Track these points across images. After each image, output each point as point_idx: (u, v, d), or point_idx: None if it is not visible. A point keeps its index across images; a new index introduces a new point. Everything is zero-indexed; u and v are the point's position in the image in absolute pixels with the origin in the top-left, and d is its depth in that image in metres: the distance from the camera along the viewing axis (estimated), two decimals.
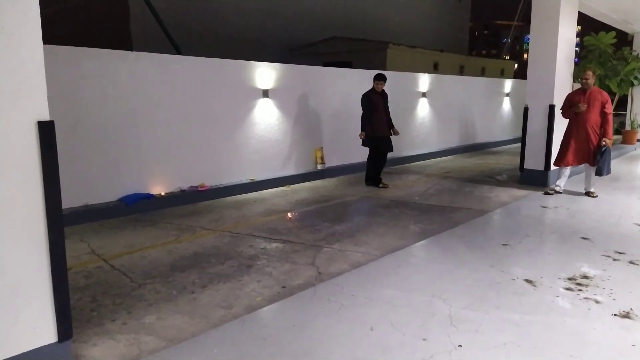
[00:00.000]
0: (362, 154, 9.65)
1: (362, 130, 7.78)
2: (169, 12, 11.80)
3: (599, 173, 6.78)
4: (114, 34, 10.62)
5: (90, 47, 5.93)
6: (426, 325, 3.17)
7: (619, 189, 7.52)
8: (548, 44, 7.63)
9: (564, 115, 7.10)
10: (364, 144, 7.91)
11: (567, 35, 7.85)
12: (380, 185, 7.97)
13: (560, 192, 7.22)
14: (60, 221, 2.38)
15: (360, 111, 7.83)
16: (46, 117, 2.33)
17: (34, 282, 2.34)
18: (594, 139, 6.79)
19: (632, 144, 12.80)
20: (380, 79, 7.76)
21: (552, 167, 7.86)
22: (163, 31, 9.82)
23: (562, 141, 7.09)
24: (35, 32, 2.26)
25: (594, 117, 6.76)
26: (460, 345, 2.90)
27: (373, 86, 7.81)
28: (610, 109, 6.76)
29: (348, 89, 9.27)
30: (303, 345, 2.93)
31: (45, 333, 2.41)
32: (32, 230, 2.32)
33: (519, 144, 14.17)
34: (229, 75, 7.31)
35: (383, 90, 7.86)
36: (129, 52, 6.29)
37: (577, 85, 10.44)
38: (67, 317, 2.46)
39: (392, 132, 7.90)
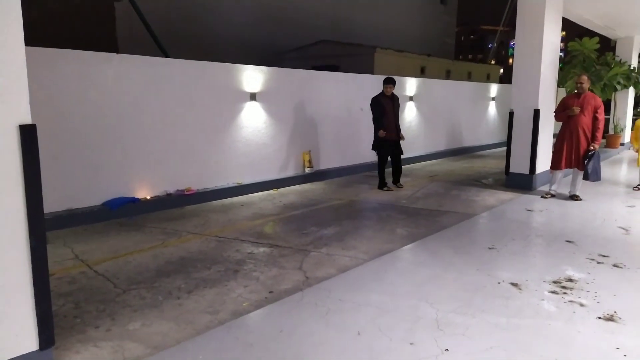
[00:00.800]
0: (350, 158, 9.69)
1: (375, 132, 7.93)
2: (155, 15, 11.72)
3: (585, 177, 6.87)
4: (100, 37, 10.50)
5: (73, 49, 5.84)
6: (413, 329, 3.17)
7: (602, 193, 7.62)
8: (533, 48, 7.72)
9: (557, 118, 7.19)
10: (373, 147, 8.10)
11: (551, 40, 7.95)
12: (385, 188, 8.03)
13: (554, 196, 7.30)
14: (42, 226, 2.33)
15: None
16: (28, 120, 2.28)
17: (15, 289, 2.29)
18: (584, 143, 6.89)
19: (616, 147, 13.00)
20: (389, 82, 7.92)
21: (537, 171, 7.95)
22: (150, 34, 9.73)
23: (555, 145, 7.17)
24: (18, 33, 2.21)
25: (587, 121, 6.85)
26: (447, 350, 2.91)
27: (382, 90, 7.94)
28: (602, 114, 6.87)
29: (336, 93, 9.28)
30: (290, 351, 2.91)
31: (27, 341, 2.35)
32: (13, 235, 2.26)
33: (505, 148, 14.44)
34: (216, 78, 7.27)
35: (393, 94, 8.01)
36: (114, 54, 6.22)
37: (562, 90, 10.62)
38: (49, 325, 2.40)
39: (399, 137, 8.01)
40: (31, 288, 2.32)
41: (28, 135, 2.27)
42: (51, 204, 5.40)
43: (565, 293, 3.78)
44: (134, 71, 6.30)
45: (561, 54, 9.27)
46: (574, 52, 9.38)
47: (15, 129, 2.25)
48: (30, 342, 2.37)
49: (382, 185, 8.08)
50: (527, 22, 7.78)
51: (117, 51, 8.62)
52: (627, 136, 13.75)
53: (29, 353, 2.37)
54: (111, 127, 6.12)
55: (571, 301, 3.64)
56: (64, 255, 4.66)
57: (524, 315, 3.39)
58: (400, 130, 8.11)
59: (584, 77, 7.00)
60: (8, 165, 2.24)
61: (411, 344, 2.98)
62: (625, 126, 13.47)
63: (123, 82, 6.19)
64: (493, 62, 31.70)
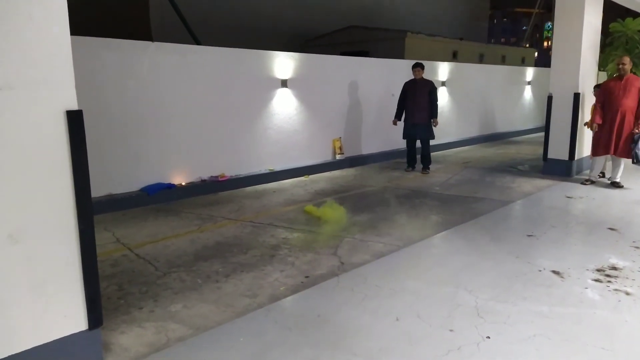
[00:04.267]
0: (380, 145, 9.61)
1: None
2: (186, 2, 11.79)
3: (635, 162, 6.60)
4: (134, 25, 10.65)
5: (109, 37, 5.95)
6: (452, 316, 3.14)
7: None
8: (573, 31, 7.43)
9: (597, 103, 6.93)
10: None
11: (592, 22, 7.64)
12: (406, 169, 8.44)
13: (595, 182, 7.09)
14: (90, 210, 2.40)
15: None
16: (74, 106, 2.33)
17: (65, 271, 2.37)
18: (627, 127, 6.62)
19: None
20: (416, 66, 8.22)
21: (577, 157, 7.70)
22: (182, 21, 9.81)
23: (597, 130, 6.91)
24: (63, 20, 2.26)
25: (630, 104, 6.58)
26: (489, 337, 2.87)
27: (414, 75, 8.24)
28: None
29: (367, 79, 9.18)
30: (328, 336, 2.93)
31: (76, 321, 2.43)
32: (63, 219, 2.33)
33: (540, 134, 13.98)
34: (248, 65, 7.29)
35: (423, 78, 8.18)
36: (150, 42, 6.30)
37: (603, 74, 10.21)
38: (97, 306, 2.48)
39: (426, 120, 8.12)
40: (80, 269, 2.40)
41: (75, 120, 2.32)
42: (92, 189, 5.52)
43: (609, 281, 3.67)
44: (169, 59, 6.38)
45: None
46: (616, 33, 8.99)
47: (62, 115, 2.30)
48: (79, 322, 2.45)
49: (407, 166, 8.47)
50: (567, 3, 7.49)
51: (151, 39, 8.73)
52: None
53: (78, 332, 2.45)
54: (148, 114, 6.22)
55: (616, 290, 3.53)
56: (105, 239, 4.80)
57: (567, 304, 3.31)
58: (429, 115, 8.04)
59: (626, 59, 6.72)
60: (56, 150, 2.31)
61: (451, 330, 2.96)
62: None
63: (159, 70, 6.27)
64: (527, 45, 30.67)
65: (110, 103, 5.86)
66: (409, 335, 2.91)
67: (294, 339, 2.90)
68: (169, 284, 3.76)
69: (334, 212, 5.56)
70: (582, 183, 7.14)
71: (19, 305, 2.26)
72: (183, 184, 6.63)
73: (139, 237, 4.94)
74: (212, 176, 6.94)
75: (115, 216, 5.66)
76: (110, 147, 5.93)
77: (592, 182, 7.10)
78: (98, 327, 2.53)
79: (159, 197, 6.25)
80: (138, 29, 10.74)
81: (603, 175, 7.35)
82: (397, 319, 3.11)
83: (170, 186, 6.44)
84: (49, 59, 2.23)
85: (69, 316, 2.40)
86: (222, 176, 7.00)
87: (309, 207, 5.84)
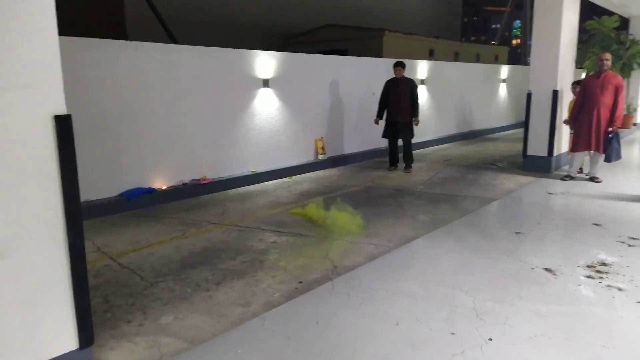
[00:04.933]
0: (362, 144, 9.57)
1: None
2: (161, 2, 11.51)
3: (607, 159, 6.75)
4: (109, 24, 10.33)
5: (83, 36, 5.72)
6: (452, 318, 3.10)
7: (620, 173, 7.51)
8: (552, 28, 7.54)
9: (577, 101, 7.05)
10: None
11: (570, 19, 7.77)
12: (388, 168, 8.45)
13: (574, 178, 7.20)
14: (80, 221, 2.26)
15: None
16: (63, 110, 2.19)
17: (54, 287, 2.22)
18: (604, 124, 6.74)
19: (629, 127, 12.81)
20: (396, 65, 8.19)
21: (556, 153, 7.83)
22: (158, 19, 9.55)
23: (575, 126, 7.03)
24: (51, 20, 2.11)
25: (607, 101, 6.69)
26: (491, 339, 2.84)
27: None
28: (623, 94, 6.70)
29: (348, 78, 9.13)
30: (329, 343, 2.85)
31: (67, 340, 2.30)
32: (51, 231, 2.19)
33: (516, 130, 14.29)
34: (229, 64, 7.14)
35: (403, 77, 8.12)
36: (128, 42, 6.09)
37: (581, 71, 10.43)
38: (88, 323, 2.35)
39: (407, 119, 8.13)
40: (70, 286, 2.26)
41: (64, 126, 2.18)
42: None
43: (601, 278, 3.70)
44: (148, 59, 6.18)
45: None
46: (593, 31, 9.18)
47: (50, 120, 2.16)
48: (70, 342, 2.31)
49: (390, 165, 8.47)
50: (545, 2, 7.59)
51: (127, 38, 8.48)
52: (639, 116, 13.58)
53: (69, 352, 2.32)
54: (126, 116, 6.02)
55: (608, 286, 3.56)
56: (85, 248, 4.59)
57: (563, 302, 3.32)
58: (411, 114, 8.05)
59: (608, 55, 6.84)
60: (44, 157, 2.16)
61: (452, 333, 2.92)
62: (637, 106, 13.26)
63: (137, 70, 6.07)
64: (495, 43, 31.19)
65: (87, 105, 5.63)
66: (411, 340, 2.86)
67: (293, 347, 2.81)
68: (157, 294, 3.62)
69: (346, 219, 5.18)
70: (561, 179, 7.25)
71: (7, 325, 2.11)
72: (164, 188, 6.44)
73: (121, 245, 4.76)
74: (193, 179, 6.78)
75: (94, 223, 5.45)
76: (88, 151, 5.68)
77: (572, 178, 7.22)
78: (89, 345, 2.39)
79: (139, 202, 6.06)
80: (113, 27, 10.43)
81: (581, 170, 7.49)
82: (397, 324, 3.05)
83: (151, 190, 6.25)
84: (36, 61, 2.08)
85: (59, 335, 2.26)
86: (204, 179, 6.84)
87: (311, 210, 5.57)
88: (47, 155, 2.16)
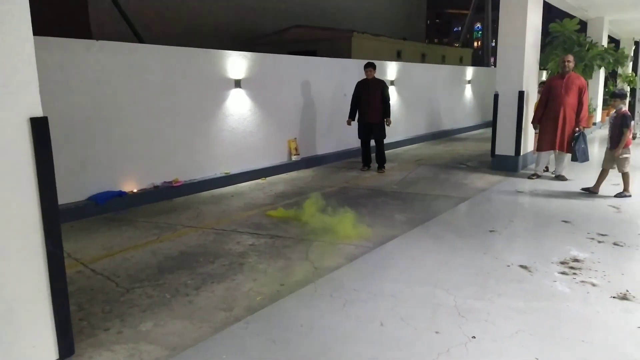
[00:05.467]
0: (335, 145, 9.59)
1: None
2: (127, 1, 11.22)
3: (574, 159, 6.98)
4: (71, 22, 9.97)
5: (46, 35, 5.49)
6: (435, 317, 3.13)
7: (585, 172, 7.76)
8: (517, 31, 7.75)
9: (541, 100, 7.25)
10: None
11: (534, 22, 8.00)
12: (361, 168, 8.53)
13: (540, 176, 7.41)
14: (58, 228, 2.16)
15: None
16: (39, 112, 2.09)
17: (32, 298, 2.12)
18: (569, 124, 6.97)
19: (589, 127, 13.31)
20: (367, 66, 8.25)
21: (522, 152, 8.05)
22: (124, 19, 9.30)
23: (541, 126, 7.24)
24: (25, 20, 2.01)
25: (571, 102, 6.92)
26: (474, 337, 2.88)
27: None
28: (586, 94, 6.95)
29: (319, 78, 9.13)
30: (315, 346, 2.83)
31: (46, 351, 2.19)
32: (28, 239, 2.08)
33: (482, 130, 14.63)
34: (199, 65, 7.01)
35: (375, 78, 8.24)
36: (94, 41, 5.89)
37: (543, 72, 10.76)
38: (69, 333, 2.25)
39: (379, 120, 8.20)
40: (49, 296, 2.16)
41: (40, 128, 2.08)
42: None
43: (575, 274, 3.82)
44: (114, 59, 5.99)
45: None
46: (555, 33, 9.49)
47: (25, 122, 2.05)
48: (49, 352, 2.21)
49: (363, 166, 8.57)
50: (510, 4, 7.80)
51: (90, 37, 8.21)
52: (599, 116, 14.13)
53: None
54: (93, 118, 5.82)
55: (582, 281, 3.67)
56: None
57: (540, 298, 3.40)
58: (382, 115, 8.12)
59: (571, 57, 7.10)
60: (19, 161, 2.06)
61: (437, 332, 2.95)
62: (597, 106, 13.80)
63: (104, 70, 5.88)
64: (457, 45, 31.87)
65: (51, 106, 5.38)
66: (397, 340, 2.87)
67: (280, 352, 2.77)
68: (134, 300, 3.51)
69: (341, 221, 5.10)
70: (528, 177, 7.46)
71: None
72: (135, 191, 6.27)
73: (92, 250, 4.60)
74: (165, 182, 6.62)
75: (63, 228, 5.10)
76: (55, 154, 5.46)
77: (538, 177, 7.44)
78: (70, 356, 2.29)
79: (109, 206, 5.87)
80: (76, 26, 10.08)
81: (547, 169, 7.72)
82: (382, 324, 3.06)
83: (121, 194, 6.07)
84: (10, 61, 1.98)
85: (38, 346, 2.15)
86: (176, 181, 6.69)
87: (309, 206, 5.52)
88: (23, 159, 2.06)
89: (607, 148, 6.28)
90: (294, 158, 8.58)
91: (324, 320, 3.13)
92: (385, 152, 8.60)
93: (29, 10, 2.02)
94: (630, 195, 6.12)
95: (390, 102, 8.44)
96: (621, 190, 6.19)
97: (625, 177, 6.15)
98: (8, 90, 1.98)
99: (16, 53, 1.99)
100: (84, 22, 10.61)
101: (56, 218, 2.14)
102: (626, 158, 6.06)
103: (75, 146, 5.68)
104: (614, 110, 6.23)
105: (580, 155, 6.89)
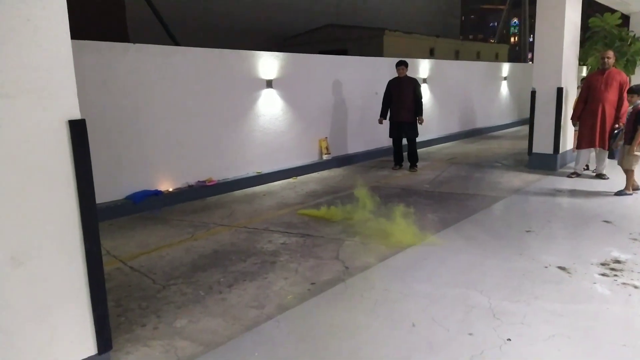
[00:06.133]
0: (366, 144, 9.55)
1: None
2: (159, 3, 11.48)
3: (611, 156, 6.73)
4: (111, 26, 10.31)
5: (85, 39, 5.68)
6: (468, 319, 3.08)
7: None
8: (554, 26, 7.52)
9: (580, 96, 7.04)
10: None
11: (572, 17, 7.74)
12: (393, 167, 8.45)
13: (580, 175, 7.19)
14: (96, 227, 2.24)
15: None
16: (77, 115, 2.17)
17: (72, 293, 2.20)
18: (609, 120, 6.73)
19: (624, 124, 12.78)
20: (399, 64, 8.17)
21: (562, 150, 7.81)
22: (159, 21, 9.53)
23: (580, 123, 7.03)
24: (63, 23, 2.08)
25: (612, 98, 6.69)
26: (509, 339, 2.82)
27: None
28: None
29: (350, 77, 9.11)
30: (346, 346, 2.83)
31: (85, 346, 2.27)
32: (68, 238, 2.17)
33: (518, 128, 14.27)
34: (232, 66, 7.11)
35: (406, 76, 8.13)
36: (130, 44, 6.07)
37: (583, 68, 10.40)
38: (106, 328, 2.32)
39: (411, 118, 8.12)
40: (88, 292, 2.23)
41: (78, 130, 2.16)
42: None
43: (616, 275, 3.68)
44: (150, 61, 6.15)
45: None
46: (595, 28, 9.15)
47: (64, 125, 2.13)
48: (88, 347, 2.29)
49: (395, 165, 8.48)
50: (547, 0, 7.57)
51: (128, 41, 8.45)
52: None
53: (88, 358, 2.29)
54: (130, 119, 5.99)
55: (624, 283, 3.54)
56: None
57: (579, 300, 3.29)
58: (414, 113, 8.04)
59: (610, 52, 6.86)
60: (59, 163, 2.14)
61: (470, 334, 2.89)
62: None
63: (140, 73, 6.05)
64: (493, 41, 31.15)
65: (90, 108, 5.57)
66: (429, 341, 2.84)
67: (310, 351, 2.79)
68: (169, 297, 3.60)
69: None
70: (568, 176, 7.23)
71: (23, 332, 2.08)
72: (170, 190, 6.42)
73: (130, 248, 4.73)
74: (199, 181, 6.75)
75: (102, 227, 5.38)
76: (92, 154, 5.64)
77: (578, 175, 7.20)
78: (108, 351, 2.37)
79: (146, 204, 6.03)
80: (114, 30, 10.40)
81: (587, 167, 7.46)
82: (414, 325, 3.03)
83: (157, 193, 6.23)
84: (48, 64, 2.06)
85: (76, 341, 2.23)
86: (210, 180, 6.81)
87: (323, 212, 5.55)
88: (61, 161, 2.14)
89: (621, 145, 6.09)
90: (324, 157, 8.59)
91: (355, 320, 3.12)
92: (418, 150, 8.51)
93: (67, 15, 2.09)
94: (631, 194, 6.00)
95: (424, 100, 8.34)
96: (622, 189, 6.09)
97: (629, 175, 6.00)
98: (47, 93, 2.05)
99: (54, 57, 2.07)
100: (122, 25, 10.93)
101: (94, 217, 2.22)
102: (636, 156, 5.86)
103: (113, 147, 5.86)
104: (631, 105, 6.01)
105: (618, 154, 6.63)
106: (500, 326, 2.97)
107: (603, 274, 3.71)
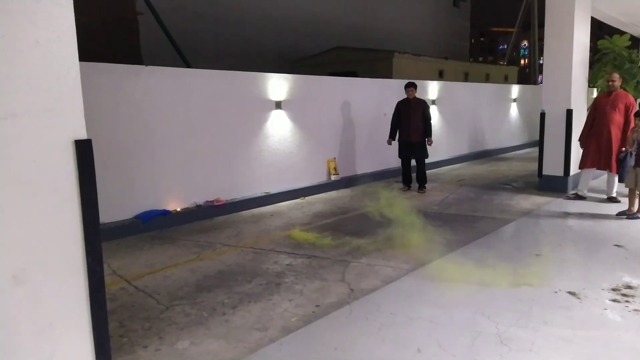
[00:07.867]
0: (374, 164, 9.55)
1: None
2: (170, 26, 11.73)
3: (621, 180, 6.65)
4: (125, 49, 10.54)
5: (99, 61, 5.80)
6: (475, 345, 3.01)
7: None
8: (563, 48, 7.53)
9: (588, 118, 7.02)
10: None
11: (581, 39, 7.76)
12: (401, 188, 8.42)
13: (585, 198, 7.09)
14: (100, 247, 2.24)
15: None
16: (83, 135, 2.20)
17: (72, 313, 2.19)
18: (615, 142, 6.68)
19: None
20: (408, 86, 8.18)
21: (572, 172, 7.73)
22: (171, 44, 9.71)
23: (585, 143, 7.00)
24: (72, 46, 2.13)
25: (618, 120, 6.67)
26: None
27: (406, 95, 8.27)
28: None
29: (359, 99, 9.17)
30: None
31: None
32: (70, 257, 2.17)
33: (528, 150, 14.18)
34: (242, 87, 7.20)
35: (415, 97, 8.15)
36: (143, 66, 6.18)
37: (593, 90, 10.38)
38: (107, 349, 2.30)
39: (420, 139, 8.11)
40: (89, 312, 2.23)
41: (84, 150, 2.18)
42: None
43: (627, 301, 3.60)
44: (161, 83, 6.25)
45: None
46: (605, 50, 9.16)
47: (70, 145, 2.16)
48: None
49: (403, 186, 8.45)
50: (556, 22, 7.60)
51: (141, 63, 8.62)
52: None
53: None
54: (140, 139, 6.06)
55: (636, 310, 3.45)
56: None
57: (590, 327, 3.22)
58: (424, 134, 8.03)
59: (615, 75, 6.87)
60: (64, 182, 2.16)
61: None
62: None
63: (152, 94, 6.14)
64: (503, 63, 31.28)
65: (101, 128, 5.67)
66: None
67: None
68: (172, 318, 3.58)
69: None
70: (566, 197, 7.18)
71: (23, 351, 2.07)
72: (178, 209, 6.44)
73: (136, 268, 4.73)
74: (207, 201, 6.77)
75: (109, 246, 5.43)
76: (102, 174, 5.67)
77: (580, 198, 7.11)
78: None
79: (154, 224, 6.05)
80: (128, 52, 10.62)
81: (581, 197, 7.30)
82: (419, 350, 2.97)
83: (165, 212, 6.25)
84: (56, 86, 2.09)
85: None
86: (218, 200, 6.83)
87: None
88: (67, 180, 2.16)
89: (631, 166, 6.04)
90: (333, 178, 8.59)
91: (359, 344, 3.08)
92: (426, 172, 8.48)
93: (75, 37, 2.13)
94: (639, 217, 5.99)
95: (433, 121, 8.34)
96: (624, 210, 6.08)
97: (631, 194, 5.98)
98: (54, 113, 2.09)
99: (62, 79, 2.11)
100: (136, 50, 11.17)
101: (97, 236, 2.22)
102: None
103: (124, 167, 5.91)
104: (637, 128, 5.97)
105: (625, 176, 6.55)
106: (507, 352, 2.90)
107: (614, 300, 3.62)
